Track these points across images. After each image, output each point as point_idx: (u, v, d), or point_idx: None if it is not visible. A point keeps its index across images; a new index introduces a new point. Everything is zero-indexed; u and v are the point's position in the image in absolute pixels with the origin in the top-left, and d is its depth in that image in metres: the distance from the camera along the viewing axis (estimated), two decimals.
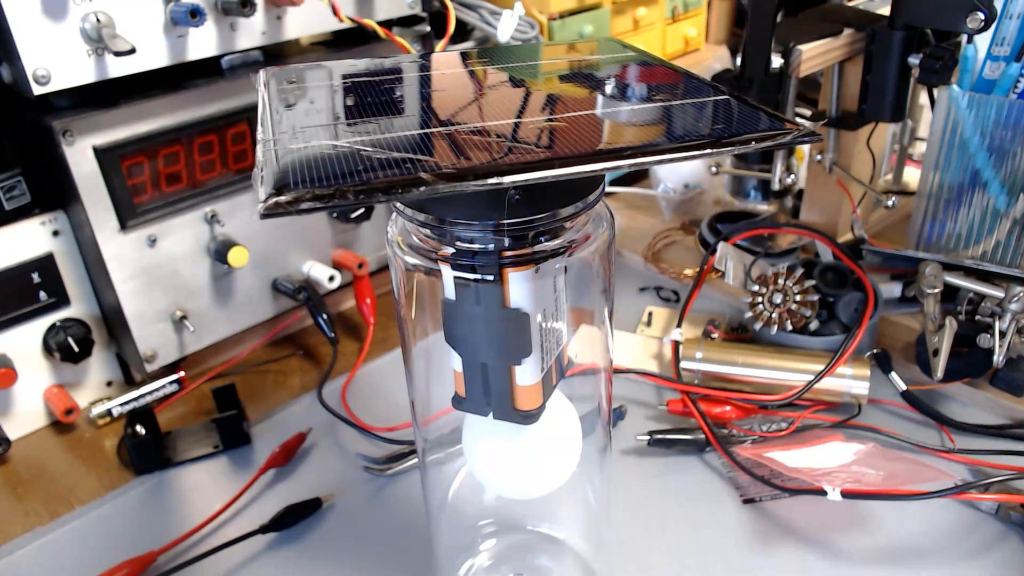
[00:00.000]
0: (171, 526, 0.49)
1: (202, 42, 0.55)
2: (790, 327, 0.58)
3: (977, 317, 0.55)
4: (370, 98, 0.34)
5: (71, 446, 0.57)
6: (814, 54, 0.61)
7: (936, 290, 0.56)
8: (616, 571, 0.45)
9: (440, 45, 0.64)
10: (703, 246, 0.76)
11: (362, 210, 0.68)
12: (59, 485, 0.54)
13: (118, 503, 0.52)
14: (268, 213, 0.22)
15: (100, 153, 0.53)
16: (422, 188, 0.23)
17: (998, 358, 0.53)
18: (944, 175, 0.63)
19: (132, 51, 0.48)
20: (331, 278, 0.66)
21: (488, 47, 0.72)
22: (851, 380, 0.54)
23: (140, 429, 0.54)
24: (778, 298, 0.58)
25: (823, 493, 0.45)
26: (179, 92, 0.56)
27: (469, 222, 0.29)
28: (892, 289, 0.63)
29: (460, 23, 0.72)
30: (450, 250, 0.30)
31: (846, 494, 0.44)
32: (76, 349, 0.57)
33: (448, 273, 0.30)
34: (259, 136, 0.28)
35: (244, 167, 0.61)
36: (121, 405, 0.59)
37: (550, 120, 0.29)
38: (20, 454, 0.57)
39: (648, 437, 0.52)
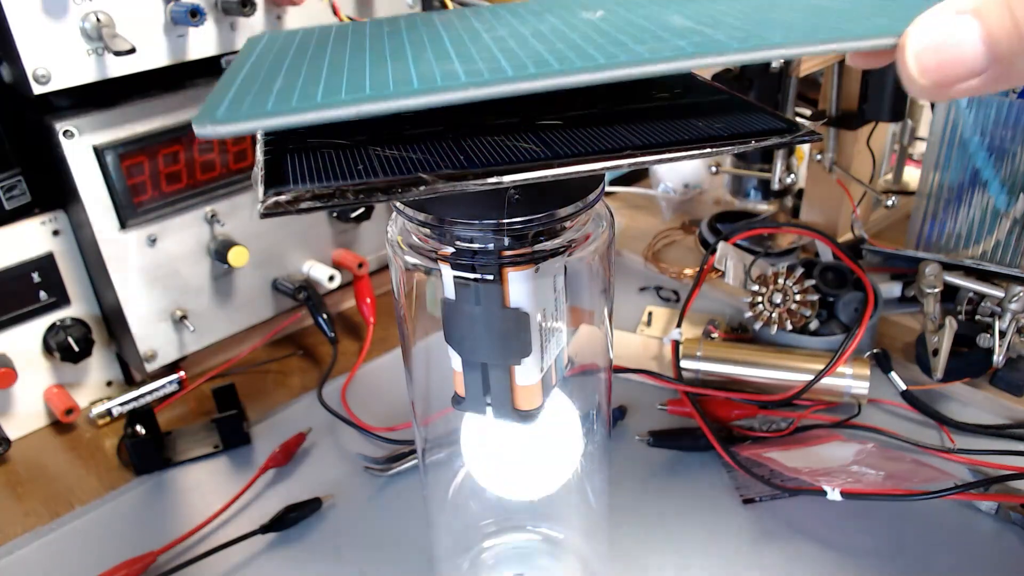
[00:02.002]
0: (171, 526, 0.49)
1: (202, 42, 0.54)
2: (790, 327, 0.58)
3: (977, 317, 0.55)
4: None
5: (71, 446, 0.57)
6: None
7: (936, 290, 0.56)
8: (616, 571, 0.45)
9: None
10: (703, 246, 0.76)
11: (362, 209, 0.68)
12: (59, 485, 0.54)
13: (118, 503, 0.52)
14: (268, 213, 0.22)
15: (100, 153, 0.53)
16: (422, 188, 0.23)
17: (998, 358, 0.53)
18: (944, 175, 0.63)
19: (132, 51, 0.48)
20: (331, 278, 0.66)
21: None
22: (851, 380, 0.54)
23: (140, 429, 0.54)
24: (778, 298, 0.58)
25: (823, 493, 0.45)
26: (179, 92, 0.56)
27: (469, 222, 0.29)
28: (892, 289, 0.63)
29: None
30: (450, 250, 0.30)
31: (846, 494, 0.44)
32: (76, 349, 0.57)
33: (448, 273, 0.30)
34: (259, 135, 0.28)
35: (244, 167, 0.61)
36: (121, 405, 0.59)
37: None
38: (20, 454, 0.57)
39: (648, 437, 0.52)
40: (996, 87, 0.21)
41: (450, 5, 0.64)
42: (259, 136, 0.27)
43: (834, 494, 0.44)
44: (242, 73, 0.27)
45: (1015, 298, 0.53)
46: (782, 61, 0.60)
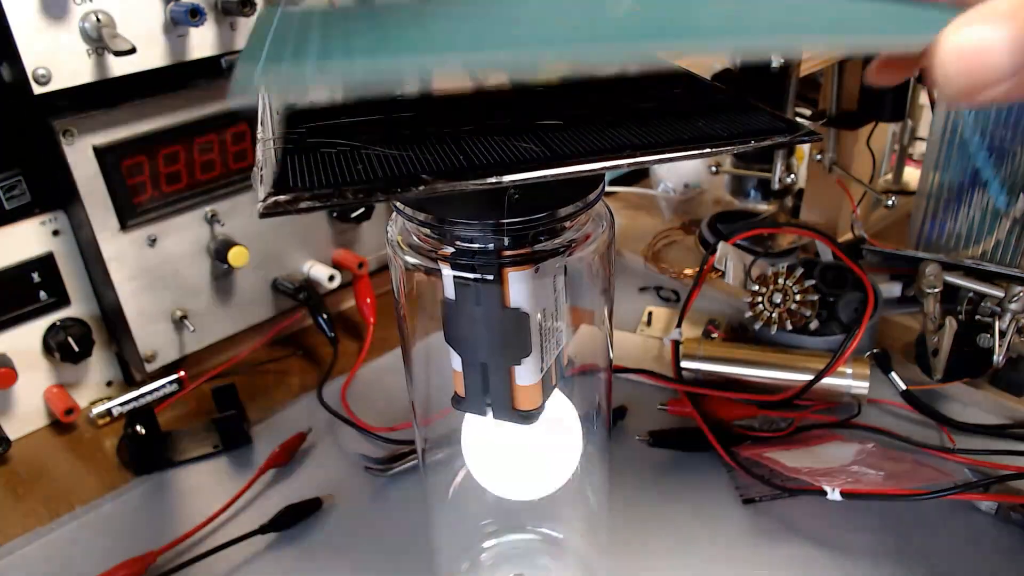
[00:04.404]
0: (171, 526, 0.49)
1: (202, 42, 0.54)
2: (790, 327, 0.58)
3: (977, 317, 0.55)
4: None
5: (71, 446, 0.57)
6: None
7: (936, 290, 0.56)
8: (616, 571, 0.45)
9: None
10: (703, 246, 0.76)
11: (362, 209, 0.68)
12: (59, 485, 0.54)
13: (118, 503, 0.52)
14: (268, 213, 0.22)
15: (100, 153, 0.53)
16: (421, 188, 0.23)
17: (998, 358, 0.53)
18: (944, 175, 0.63)
19: (132, 51, 0.48)
20: (331, 278, 0.66)
21: None
22: (851, 380, 0.54)
23: (140, 429, 0.54)
24: (778, 298, 0.58)
25: (823, 493, 0.45)
26: (179, 92, 0.56)
27: (469, 222, 0.29)
28: (892, 289, 0.63)
29: None
30: (450, 249, 0.30)
31: (846, 494, 0.44)
32: (76, 349, 0.57)
33: (448, 273, 0.30)
34: (259, 135, 0.28)
35: (244, 167, 0.61)
36: (121, 405, 0.59)
37: None
38: (20, 454, 0.57)
39: (648, 437, 0.52)
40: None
41: None
42: (259, 135, 0.27)
43: (834, 494, 0.44)
44: (269, 37, 0.24)
45: (1015, 298, 0.53)
46: (782, 60, 0.60)
